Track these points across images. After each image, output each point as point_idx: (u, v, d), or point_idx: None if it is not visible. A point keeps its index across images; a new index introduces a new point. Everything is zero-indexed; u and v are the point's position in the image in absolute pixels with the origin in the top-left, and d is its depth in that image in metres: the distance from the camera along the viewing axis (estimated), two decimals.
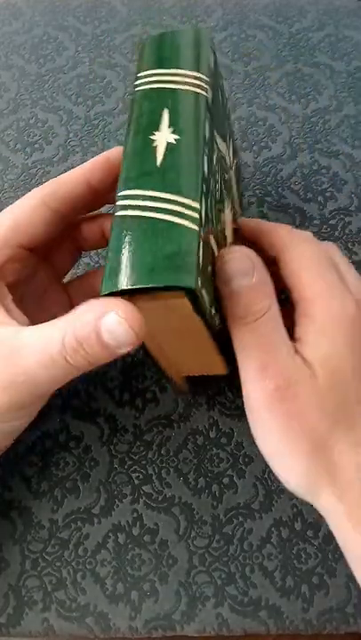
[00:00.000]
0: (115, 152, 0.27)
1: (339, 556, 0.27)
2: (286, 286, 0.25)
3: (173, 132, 0.23)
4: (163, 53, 0.26)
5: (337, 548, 0.27)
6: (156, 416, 0.30)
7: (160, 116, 0.23)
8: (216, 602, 0.26)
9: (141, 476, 0.29)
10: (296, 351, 0.23)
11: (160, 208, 0.21)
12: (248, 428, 0.24)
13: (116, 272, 0.20)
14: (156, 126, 0.23)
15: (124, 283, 0.19)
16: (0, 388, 0.22)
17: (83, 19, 0.45)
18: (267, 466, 0.29)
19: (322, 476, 0.22)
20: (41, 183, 0.37)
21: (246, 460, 0.29)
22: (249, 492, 0.28)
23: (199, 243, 0.20)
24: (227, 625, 0.26)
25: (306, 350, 0.23)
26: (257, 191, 0.37)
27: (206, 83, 0.25)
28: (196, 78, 0.25)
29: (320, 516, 0.27)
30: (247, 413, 0.24)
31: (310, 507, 0.28)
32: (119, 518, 0.28)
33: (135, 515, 0.28)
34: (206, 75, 0.25)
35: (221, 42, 0.43)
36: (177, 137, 0.23)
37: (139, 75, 0.25)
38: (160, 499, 0.28)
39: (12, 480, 0.29)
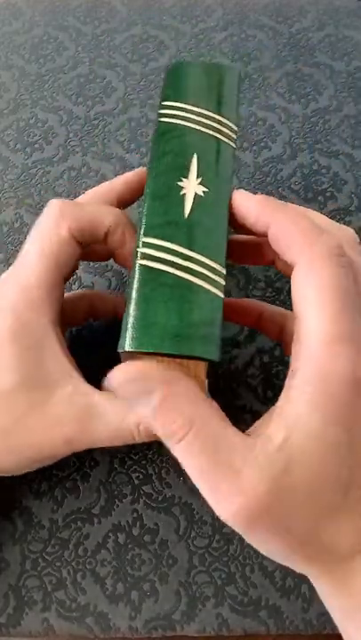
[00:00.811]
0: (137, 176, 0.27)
1: None
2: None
3: (201, 184, 0.22)
4: (195, 86, 0.25)
5: None
6: None
7: (189, 161, 0.23)
8: (216, 602, 0.26)
9: (141, 476, 0.29)
10: (276, 427, 0.19)
11: (186, 267, 0.21)
12: None
13: (138, 328, 0.20)
14: (183, 172, 0.23)
15: (149, 345, 0.19)
16: (66, 442, 0.23)
17: (83, 19, 0.45)
18: None
19: (323, 564, 0.19)
20: (41, 183, 0.37)
21: None
22: None
23: (222, 311, 0.20)
24: (227, 625, 0.26)
25: (283, 424, 0.19)
26: (257, 191, 0.37)
27: (235, 133, 0.25)
28: (228, 127, 0.25)
29: None
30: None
31: None
32: (119, 518, 0.28)
33: (135, 515, 0.28)
34: (235, 123, 0.25)
35: (221, 42, 0.43)
36: (205, 189, 0.22)
37: (164, 103, 0.25)
38: (160, 499, 0.28)
39: (13, 480, 0.29)
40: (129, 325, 0.20)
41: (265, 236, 0.22)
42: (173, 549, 0.27)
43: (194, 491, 0.28)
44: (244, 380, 0.30)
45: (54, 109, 0.41)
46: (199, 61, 0.25)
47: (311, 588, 0.26)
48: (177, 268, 0.21)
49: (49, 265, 0.24)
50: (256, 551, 0.27)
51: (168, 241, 0.21)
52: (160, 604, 0.26)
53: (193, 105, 0.25)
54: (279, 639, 0.28)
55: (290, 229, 0.21)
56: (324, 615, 0.26)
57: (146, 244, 0.21)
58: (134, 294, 0.20)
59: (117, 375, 0.20)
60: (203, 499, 0.28)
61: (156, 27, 0.44)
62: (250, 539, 0.19)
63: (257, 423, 0.21)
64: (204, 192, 0.22)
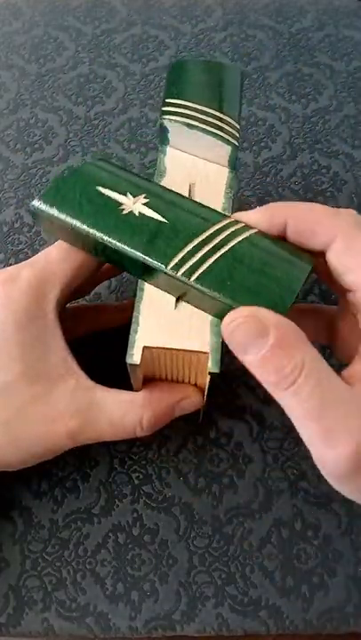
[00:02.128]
0: None
1: (339, 556, 0.27)
2: (339, 286, 0.22)
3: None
4: (198, 84, 0.26)
5: (337, 548, 0.27)
6: None
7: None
8: (216, 602, 0.26)
9: (141, 476, 0.29)
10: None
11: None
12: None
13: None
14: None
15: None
16: (68, 435, 0.24)
17: (83, 19, 0.45)
18: (267, 466, 0.29)
19: None
20: (41, 183, 0.37)
21: (246, 459, 0.29)
22: (249, 492, 0.28)
23: None
24: (227, 625, 0.26)
25: None
26: (257, 191, 0.37)
27: (238, 131, 0.25)
28: (230, 126, 0.25)
29: (320, 516, 0.27)
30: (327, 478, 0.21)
31: (310, 506, 0.28)
32: (119, 518, 0.28)
33: (135, 515, 0.28)
34: (238, 122, 0.25)
35: (221, 42, 0.43)
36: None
37: (168, 100, 0.25)
38: (160, 499, 0.28)
39: (13, 479, 0.29)
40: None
41: (281, 236, 0.23)
42: (173, 549, 0.27)
43: (194, 491, 0.28)
44: (245, 380, 0.30)
45: (54, 109, 0.41)
46: (201, 59, 0.26)
47: (311, 588, 0.26)
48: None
49: (64, 261, 0.25)
50: (256, 551, 0.27)
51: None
52: (160, 604, 0.26)
53: (196, 103, 0.25)
54: (279, 639, 0.28)
55: (310, 216, 0.22)
56: (325, 615, 0.26)
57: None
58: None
59: (233, 316, 0.20)
60: (202, 499, 0.28)
61: (156, 27, 0.44)
62: (352, 485, 0.19)
63: (350, 370, 0.21)
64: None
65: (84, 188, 0.23)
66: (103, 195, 0.23)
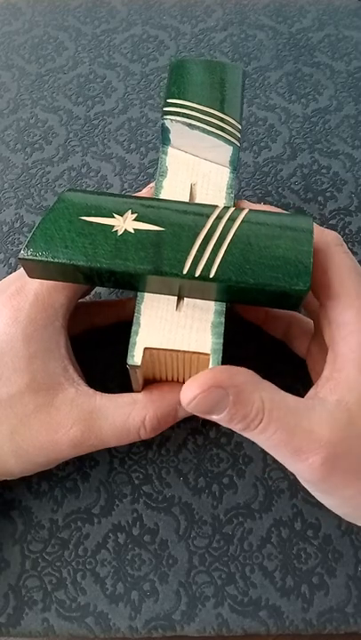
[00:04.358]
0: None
1: (339, 555, 0.27)
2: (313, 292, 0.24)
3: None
4: (199, 84, 0.25)
5: (337, 548, 0.27)
6: None
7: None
8: (216, 602, 0.26)
9: (141, 476, 0.29)
10: (329, 391, 0.22)
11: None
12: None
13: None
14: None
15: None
16: (71, 444, 0.24)
17: (83, 19, 0.45)
18: (267, 465, 0.29)
19: None
20: (41, 183, 0.37)
21: (246, 459, 0.29)
22: (249, 492, 0.28)
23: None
24: (227, 625, 0.26)
25: (340, 389, 0.21)
26: (257, 191, 0.37)
27: (239, 131, 0.25)
28: (231, 126, 0.25)
29: (320, 516, 0.27)
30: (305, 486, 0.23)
31: (310, 506, 0.28)
32: (119, 518, 0.28)
33: (135, 515, 0.28)
34: (239, 122, 0.25)
35: (221, 42, 0.43)
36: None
37: (169, 101, 0.25)
38: (160, 499, 0.28)
39: (12, 480, 0.29)
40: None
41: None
42: (173, 549, 0.27)
43: (194, 490, 0.28)
44: None
45: (54, 109, 0.41)
46: (202, 59, 0.25)
47: (311, 588, 0.26)
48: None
49: None
50: (256, 551, 0.27)
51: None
52: (160, 604, 0.26)
53: (197, 103, 0.25)
54: (279, 639, 0.28)
55: None
56: (325, 615, 0.26)
57: None
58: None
59: (190, 395, 0.20)
60: (202, 499, 0.28)
61: (156, 27, 0.44)
62: (330, 487, 0.21)
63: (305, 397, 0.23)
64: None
65: (69, 223, 0.22)
66: (91, 223, 0.22)
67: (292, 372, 0.30)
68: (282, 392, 0.21)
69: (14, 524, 0.28)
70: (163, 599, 0.26)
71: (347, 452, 0.21)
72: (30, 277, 0.23)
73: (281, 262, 0.21)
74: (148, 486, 0.28)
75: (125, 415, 0.24)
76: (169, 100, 0.25)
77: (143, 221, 0.22)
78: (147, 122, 0.40)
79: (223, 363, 0.22)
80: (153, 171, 0.38)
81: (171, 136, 0.26)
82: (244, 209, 0.22)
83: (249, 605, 0.26)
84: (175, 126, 0.25)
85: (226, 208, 0.22)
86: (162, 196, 0.25)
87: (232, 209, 0.22)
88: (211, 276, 0.21)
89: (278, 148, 0.38)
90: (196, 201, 0.25)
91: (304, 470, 0.21)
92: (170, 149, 0.26)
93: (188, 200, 0.25)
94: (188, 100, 0.25)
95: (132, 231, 0.22)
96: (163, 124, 0.25)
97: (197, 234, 0.22)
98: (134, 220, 0.22)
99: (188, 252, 0.21)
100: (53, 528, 0.28)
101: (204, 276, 0.21)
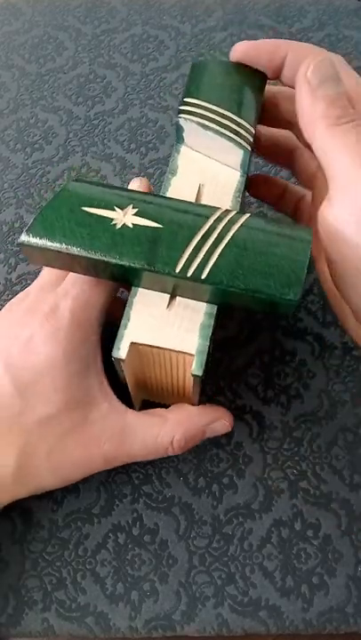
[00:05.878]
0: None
1: (339, 556, 0.27)
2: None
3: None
4: (219, 86, 0.25)
5: (337, 548, 0.27)
6: None
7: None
8: (216, 602, 0.26)
9: (141, 476, 0.29)
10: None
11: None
12: None
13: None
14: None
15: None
16: (104, 459, 0.25)
17: (83, 19, 0.45)
18: (266, 465, 0.29)
19: None
20: (41, 183, 0.37)
21: (246, 459, 0.29)
22: (249, 492, 0.28)
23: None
24: (227, 625, 0.26)
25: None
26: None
27: (253, 136, 0.25)
28: (246, 130, 0.25)
29: (320, 517, 0.27)
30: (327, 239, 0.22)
31: (310, 506, 0.28)
32: (119, 518, 0.28)
33: (135, 515, 0.28)
34: (254, 127, 0.25)
35: (221, 42, 0.43)
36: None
37: (186, 100, 0.25)
38: (160, 499, 0.28)
39: None
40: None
41: (277, 74, 0.24)
42: (173, 549, 0.27)
43: (194, 491, 0.28)
44: (245, 380, 0.30)
45: (54, 109, 0.41)
46: (225, 61, 0.25)
47: (311, 588, 0.26)
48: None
49: (98, 284, 0.25)
50: (256, 551, 0.27)
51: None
52: (160, 604, 0.26)
53: (214, 104, 0.25)
54: (279, 639, 0.28)
55: (308, 49, 0.24)
56: (325, 615, 0.26)
57: None
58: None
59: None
60: (202, 499, 0.28)
61: (156, 27, 0.44)
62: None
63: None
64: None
65: (70, 212, 0.22)
66: (91, 214, 0.22)
67: (293, 371, 0.31)
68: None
69: (14, 524, 0.28)
70: (163, 599, 0.26)
71: None
72: (32, 263, 0.23)
73: (274, 270, 0.21)
74: (147, 486, 0.28)
75: (155, 435, 0.25)
76: (185, 99, 0.25)
77: (143, 217, 0.22)
78: (147, 122, 0.40)
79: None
80: (153, 171, 0.38)
81: (184, 135, 0.26)
82: (245, 213, 0.22)
83: (249, 605, 0.26)
84: (189, 125, 0.25)
85: (227, 211, 0.22)
86: (169, 194, 0.25)
87: (233, 212, 0.22)
88: (202, 277, 0.21)
89: None
90: (203, 202, 0.25)
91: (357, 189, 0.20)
92: (183, 148, 0.26)
93: (194, 200, 0.25)
94: (205, 101, 0.25)
95: (131, 226, 0.22)
96: (177, 123, 0.25)
97: (195, 234, 0.22)
98: (134, 214, 0.22)
99: (182, 252, 0.21)
100: (53, 528, 0.28)
101: (195, 277, 0.21)
